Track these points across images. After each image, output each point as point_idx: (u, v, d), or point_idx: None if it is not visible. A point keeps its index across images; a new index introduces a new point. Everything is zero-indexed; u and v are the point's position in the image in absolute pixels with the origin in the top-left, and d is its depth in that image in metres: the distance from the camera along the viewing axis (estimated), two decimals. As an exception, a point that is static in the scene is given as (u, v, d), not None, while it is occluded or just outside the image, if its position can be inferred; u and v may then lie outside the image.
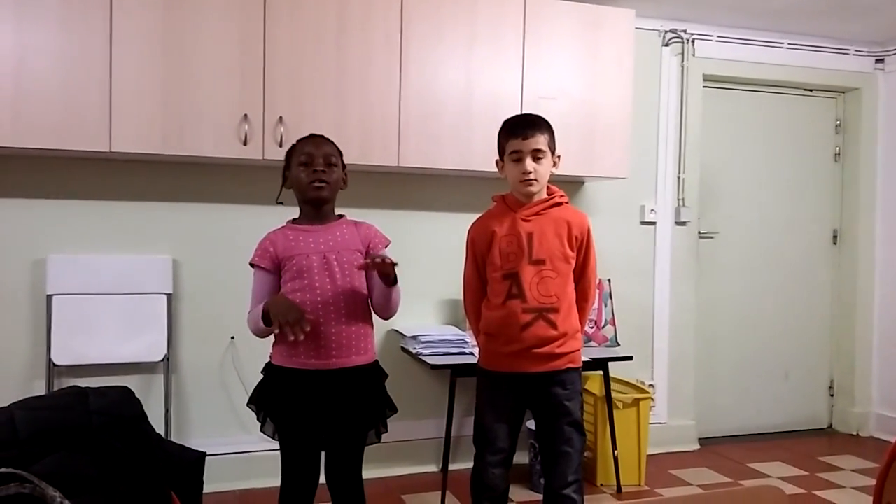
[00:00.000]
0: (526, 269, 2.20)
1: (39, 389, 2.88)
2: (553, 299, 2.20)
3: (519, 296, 2.19)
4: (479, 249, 2.29)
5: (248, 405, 2.17)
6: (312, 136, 2.18)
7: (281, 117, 2.86)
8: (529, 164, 2.19)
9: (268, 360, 2.15)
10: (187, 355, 3.13)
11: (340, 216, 2.22)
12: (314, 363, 2.05)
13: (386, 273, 2.05)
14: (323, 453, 2.17)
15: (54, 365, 2.87)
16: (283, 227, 2.19)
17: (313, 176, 2.10)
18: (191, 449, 1.78)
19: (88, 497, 1.32)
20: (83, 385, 1.93)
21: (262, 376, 2.16)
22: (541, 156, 2.20)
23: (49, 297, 2.89)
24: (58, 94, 2.63)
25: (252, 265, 2.15)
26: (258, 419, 2.15)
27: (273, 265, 2.11)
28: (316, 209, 2.16)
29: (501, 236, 2.24)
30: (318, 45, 2.91)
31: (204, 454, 1.79)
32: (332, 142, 2.18)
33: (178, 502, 1.53)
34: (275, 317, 1.96)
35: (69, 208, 2.97)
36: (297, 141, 2.19)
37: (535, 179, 2.20)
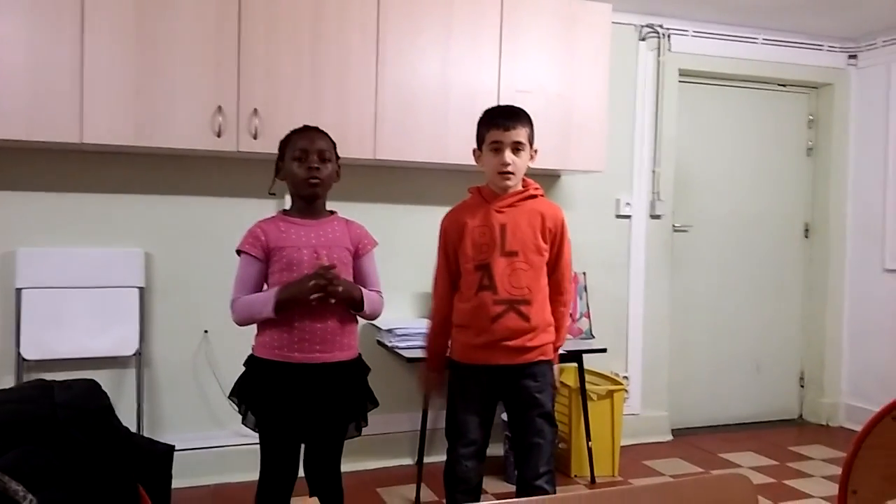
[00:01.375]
0: (498, 260, 2.20)
1: (8, 384, 2.82)
2: (524, 291, 2.20)
3: (490, 287, 2.19)
4: (450, 239, 2.28)
5: (229, 398, 2.16)
6: (307, 128, 2.17)
7: (255, 109, 2.83)
8: (509, 155, 2.19)
9: (249, 353, 2.15)
10: (160, 349, 3.10)
11: (332, 212, 2.22)
12: (298, 357, 2.05)
13: (342, 299, 2.07)
14: (302, 446, 2.17)
15: (23, 359, 2.83)
16: (273, 217, 2.18)
17: (308, 173, 2.10)
18: (159, 442, 1.77)
19: (53, 491, 1.30)
20: (53, 380, 1.91)
21: (239, 369, 2.16)
22: (520, 148, 2.21)
23: (18, 290, 2.85)
24: (28, 84, 2.58)
25: (240, 252, 2.13)
26: (239, 412, 2.14)
27: (263, 254, 2.10)
28: (308, 203, 2.16)
29: (474, 227, 2.23)
30: (293, 37, 2.89)
31: (172, 447, 1.77)
32: (326, 135, 2.17)
33: (146, 496, 1.52)
34: (299, 293, 1.99)
35: (39, 201, 2.92)
36: (292, 133, 2.17)
37: (513, 172, 2.21)
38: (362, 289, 2.15)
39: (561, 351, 2.41)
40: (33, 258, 2.87)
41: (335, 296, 2.02)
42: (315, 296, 2.00)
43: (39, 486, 1.25)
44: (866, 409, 4.02)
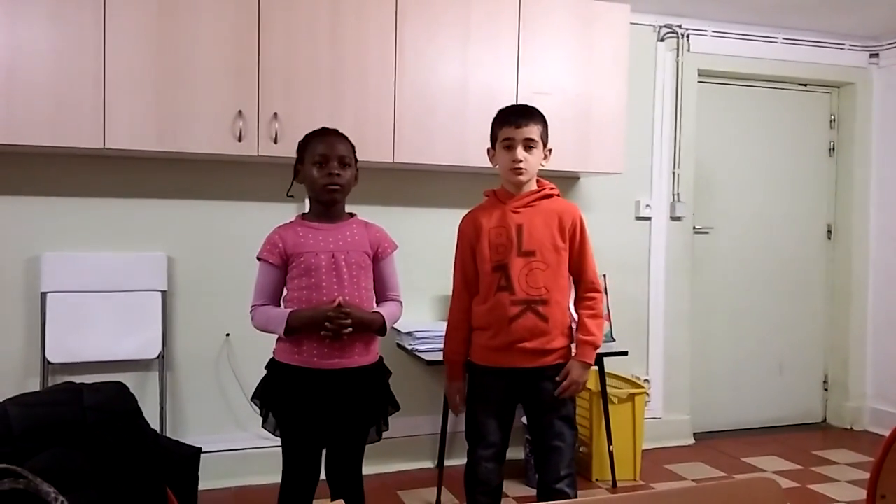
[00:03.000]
0: (515, 260, 2.19)
1: (34, 387, 2.87)
2: (542, 291, 2.19)
3: (507, 288, 2.19)
4: (467, 241, 2.28)
5: (251, 400, 2.18)
6: (326, 131, 2.16)
7: (275, 113, 2.85)
8: (520, 152, 2.19)
9: (270, 356, 2.16)
10: (182, 352, 3.12)
11: (351, 214, 2.22)
12: (317, 362, 2.06)
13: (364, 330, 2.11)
14: (324, 450, 2.18)
15: (49, 363, 2.87)
16: (292, 221, 2.18)
17: (328, 179, 2.09)
18: (186, 444, 1.78)
19: (83, 492, 1.32)
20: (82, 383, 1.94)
21: (261, 372, 2.17)
22: (532, 145, 2.21)
23: (43, 294, 2.88)
24: (51, 91, 2.61)
25: (259, 259, 2.14)
26: (261, 415, 2.15)
27: (281, 261, 2.11)
28: (327, 208, 2.16)
29: (490, 228, 2.24)
30: (312, 41, 2.90)
31: (199, 450, 1.78)
32: (346, 138, 2.17)
33: (174, 498, 1.53)
34: (311, 326, 2.02)
35: (63, 205, 2.96)
36: (311, 135, 2.16)
37: (525, 168, 2.21)
38: (383, 314, 2.14)
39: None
40: (58, 263, 2.91)
41: (344, 334, 2.04)
42: (325, 333, 2.02)
43: (70, 487, 1.27)
44: (891, 412, 3.97)
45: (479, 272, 2.25)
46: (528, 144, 2.20)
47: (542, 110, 2.29)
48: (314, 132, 2.17)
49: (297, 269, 2.09)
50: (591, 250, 2.30)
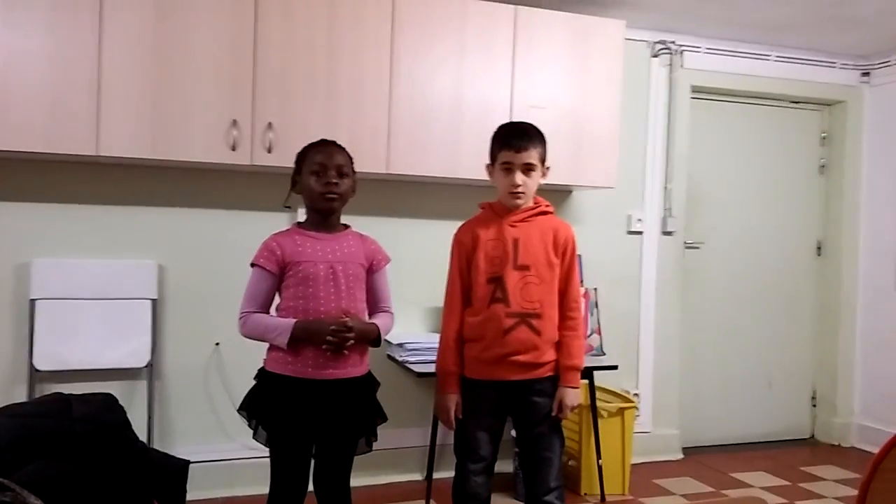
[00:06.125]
0: (510, 273, 2.21)
1: (20, 395, 2.85)
2: (536, 305, 2.21)
3: (503, 300, 2.20)
4: (464, 251, 2.28)
5: (238, 411, 2.16)
6: (325, 142, 2.18)
7: (270, 123, 2.85)
8: (519, 177, 2.20)
9: (260, 366, 2.14)
10: (171, 361, 3.10)
11: (346, 226, 2.23)
12: (311, 373, 2.05)
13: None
14: (312, 461, 2.17)
15: (36, 370, 2.84)
16: (288, 230, 2.18)
17: (325, 188, 2.10)
18: (175, 457, 1.77)
19: (70, 505, 1.31)
20: (65, 391, 1.92)
21: (251, 382, 2.15)
22: (531, 169, 2.22)
23: (32, 301, 2.86)
24: (45, 97, 2.61)
25: (254, 265, 2.13)
26: (249, 426, 2.14)
27: (278, 268, 2.10)
28: (324, 217, 2.16)
29: (487, 240, 2.25)
30: (308, 52, 2.91)
31: (188, 462, 1.78)
32: (344, 149, 2.18)
33: (161, 511, 1.52)
34: (315, 338, 2.03)
35: (54, 212, 2.94)
36: (310, 146, 2.17)
37: (524, 192, 2.23)
38: (378, 325, 2.16)
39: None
40: (48, 269, 2.88)
41: (347, 348, 2.06)
42: (327, 347, 2.03)
43: (57, 499, 1.26)
44: (879, 429, 3.99)
45: (473, 283, 2.26)
46: (527, 168, 2.21)
47: (536, 124, 2.30)
48: (313, 143, 2.19)
49: (294, 277, 2.08)
50: (577, 273, 2.32)
